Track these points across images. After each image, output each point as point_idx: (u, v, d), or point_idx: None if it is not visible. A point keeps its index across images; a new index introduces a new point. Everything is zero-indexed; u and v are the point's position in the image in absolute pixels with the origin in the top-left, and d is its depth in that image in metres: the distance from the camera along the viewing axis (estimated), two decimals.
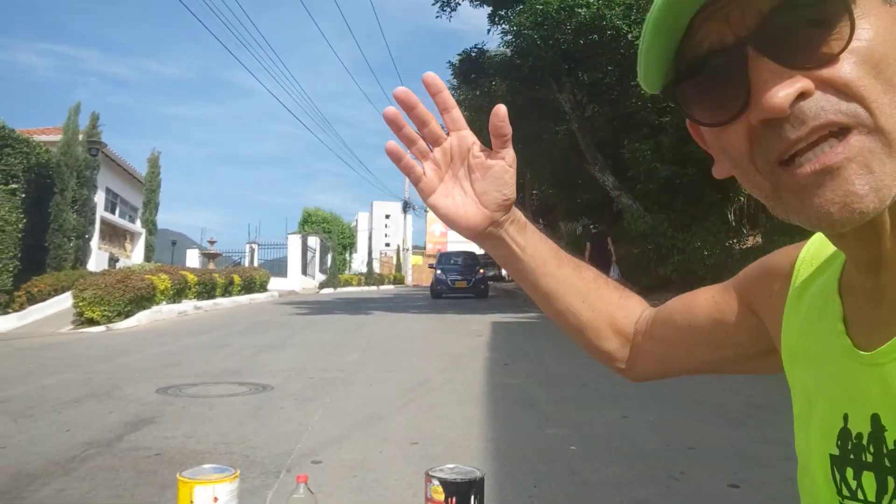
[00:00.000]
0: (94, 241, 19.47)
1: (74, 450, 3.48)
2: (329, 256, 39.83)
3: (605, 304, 0.93)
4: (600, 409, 4.60)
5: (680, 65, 0.56)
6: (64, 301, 13.84)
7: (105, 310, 12.16)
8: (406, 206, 56.78)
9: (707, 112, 0.55)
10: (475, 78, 15.83)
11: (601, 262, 14.65)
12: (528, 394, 5.16)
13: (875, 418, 0.56)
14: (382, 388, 5.44)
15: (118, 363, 7.14)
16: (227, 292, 19.47)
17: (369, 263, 44.70)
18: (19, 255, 13.18)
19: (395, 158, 0.80)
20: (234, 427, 4.02)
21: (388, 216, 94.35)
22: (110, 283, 12.42)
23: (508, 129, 0.78)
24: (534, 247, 0.88)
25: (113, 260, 20.84)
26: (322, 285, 35.84)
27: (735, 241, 14.28)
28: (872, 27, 0.50)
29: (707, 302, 0.85)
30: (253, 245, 35.60)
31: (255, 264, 34.94)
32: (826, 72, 0.50)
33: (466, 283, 23.20)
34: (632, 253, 15.46)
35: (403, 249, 52.75)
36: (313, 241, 38.35)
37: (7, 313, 12.96)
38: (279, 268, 34.99)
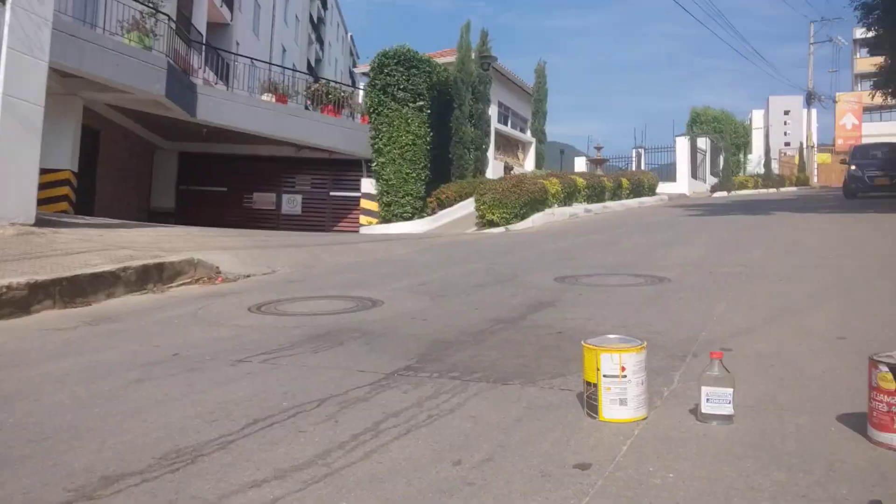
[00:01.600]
0: (490, 152, 20.88)
1: (483, 324, 3.66)
2: (721, 158, 37.76)
3: None
4: None
5: None
6: (467, 206, 15.09)
7: (503, 212, 12.96)
8: (810, 98, 51.01)
9: None
10: None
11: None
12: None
13: None
14: (793, 283, 4.86)
15: (517, 256, 7.52)
16: (615, 196, 19.55)
17: (766, 164, 41.41)
18: (429, 166, 14.66)
19: None
20: (633, 313, 3.89)
21: (786, 112, 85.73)
22: (507, 187, 13.19)
23: None
24: None
25: (507, 168, 22.21)
26: (714, 188, 34.28)
27: None
28: None
29: None
30: (639, 150, 35.26)
31: (642, 168, 34.68)
32: None
33: (889, 181, 19.46)
34: None
35: (807, 147, 47.75)
36: (703, 143, 36.67)
37: (422, 217, 14.61)
38: (667, 172, 34.22)
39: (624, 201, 19.77)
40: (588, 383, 2.09)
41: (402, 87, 14.39)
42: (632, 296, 4.54)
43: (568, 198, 15.88)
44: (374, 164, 14.52)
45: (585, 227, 12.05)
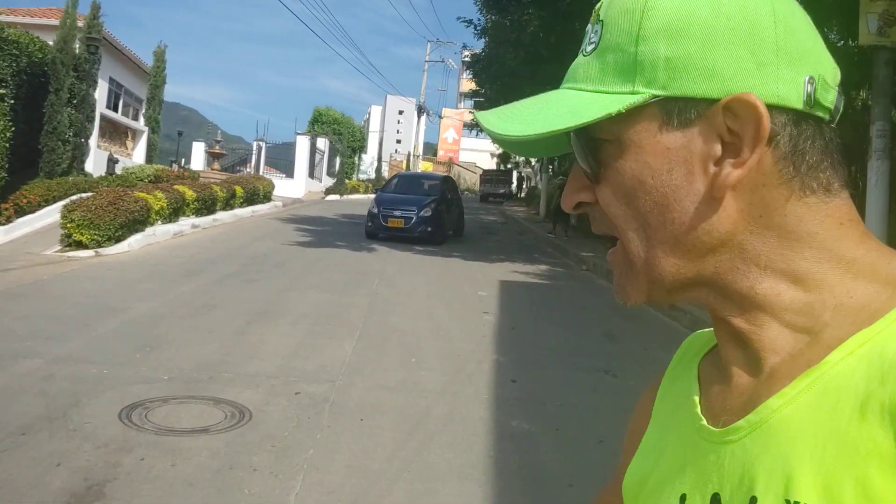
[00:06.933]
0: (94, 140, 18.69)
1: None
2: (337, 160, 38.99)
3: None
4: None
5: None
6: (54, 213, 13.24)
7: (95, 234, 11.53)
8: (420, 110, 55.20)
9: None
10: (506, 5, 14.57)
11: (563, 209, 16.62)
12: (538, 457, 4.55)
13: (715, 498, 0.57)
14: (374, 427, 4.83)
15: (92, 336, 6.55)
16: (228, 205, 18.82)
17: (378, 169, 43.84)
18: (6, 166, 12.43)
19: None
20: None
21: (401, 112, 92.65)
22: (101, 204, 11.75)
23: None
24: None
25: (112, 161, 20.04)
26: (328, 191, 35.26)
27: None
28: (632, 161, 0.58)
29: (617, 470, 0.82)
30: (260, 143, 34.80)
31: (262, 162, 34.27)
32: (597, 190, 0.61)
33: (404, 223, 16.66)
34: None
35: (414, 156, 51.68)
36: (322, 143, 37.52)
37: None
38: (286, 167, 34.38)
39: (236, 211, 19.16)
40: None
41: None
42: (202, 462, 4.05)
43: (175, 213, 14.77)
44: None
45: (185, 262, 11.23)
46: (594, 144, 0.60)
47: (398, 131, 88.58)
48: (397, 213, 16.72)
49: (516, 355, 7.08)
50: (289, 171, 33.25)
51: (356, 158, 43.95)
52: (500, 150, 45.38)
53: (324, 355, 6.51)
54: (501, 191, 42.64)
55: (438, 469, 4.24)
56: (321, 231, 17.52)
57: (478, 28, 17.72)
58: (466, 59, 37.40)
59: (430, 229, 16.65)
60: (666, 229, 0.58)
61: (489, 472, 4.26)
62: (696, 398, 0.65)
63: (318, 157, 35.98)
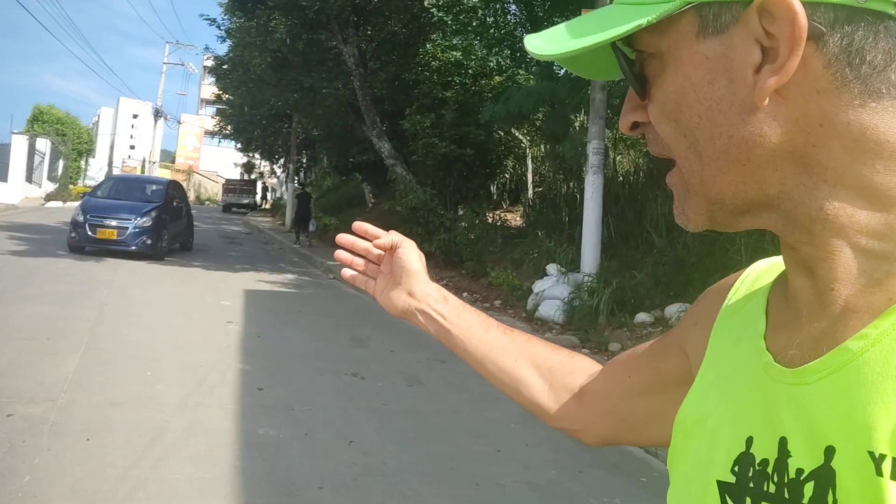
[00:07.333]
0: None
1: None
2: (61, 163, 35.53)
3: (541, 362, 0.94)
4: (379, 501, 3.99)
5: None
6: None
7: None
8: (157, 114, 52.11)
9: None
10: (252, 8, 14.20)
11: (304, 217, 19.47)
12: (287, 462, 4.42)
13: (783, 442, 0.53)
14: (103, 446, 4.39)
15: None
16: None
17: (108, 175, 40.54)
18: None
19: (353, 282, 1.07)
20: None
21: (136, 116, 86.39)
22: None
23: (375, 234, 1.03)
24: (457, 316, 0.99)
25: None
26: (49, 197, 32.03)
27: (498, 220, 14.41)
28: (673, 74, 0.55)
29: (650, 347, 0.84)
30: None
31: None
32: (648, 108, 0.58)
33: (117, 234, 13.83)
34: (402, 218, 15.07)
35: (150, 162, 48.55)
36: (43, 144, 33.99)
37: None
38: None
39: None
40: None
41: None
42: None
43: None
44: None
45: None
46: (637, 59, 0.58)
47: (132, 136, 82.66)
48: (110, 221, 13.83)
49: (263, 363, 6.86)
50: (2, 175, 29.63)
51: (83, 162, 40.23)
52: (245, 160, 44.08)
53: (42, 372, 5.82)
54: (246, 201, 41.43)
55: (178, 485, 3.95)
56: (40, 239, 15.78)
57: (221, 28, 17.10)
58: (209, 62, 35.89)
59: (149, 241, 14.06)
60: (715, 144, 0.54)
61: (234, 483, 4.06)
62: (763, 332, 0.61)
63: (37, 159, 32.51)
